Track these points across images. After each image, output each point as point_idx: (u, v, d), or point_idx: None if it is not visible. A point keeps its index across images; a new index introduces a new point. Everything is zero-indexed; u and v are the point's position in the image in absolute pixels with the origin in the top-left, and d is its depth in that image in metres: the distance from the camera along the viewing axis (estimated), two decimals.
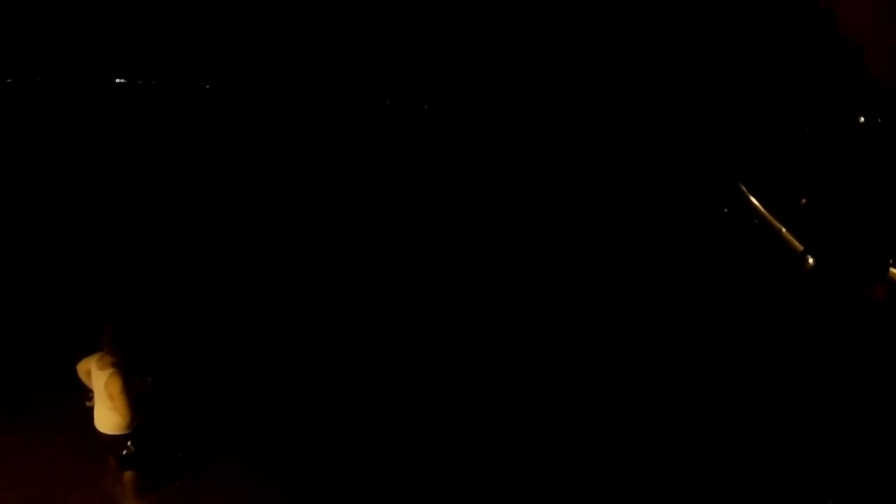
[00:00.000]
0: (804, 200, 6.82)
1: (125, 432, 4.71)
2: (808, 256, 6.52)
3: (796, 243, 6.83)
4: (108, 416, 4.67)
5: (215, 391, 5.59)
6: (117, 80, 8.56)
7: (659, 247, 7.38)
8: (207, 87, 8.67)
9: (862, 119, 6.37)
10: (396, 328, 6.38)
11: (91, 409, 4.74)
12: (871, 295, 6.21)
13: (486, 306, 6.72)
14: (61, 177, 7.56)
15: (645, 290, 6.93)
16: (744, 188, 7.44)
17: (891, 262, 6.20)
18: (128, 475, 4.84)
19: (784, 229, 6.98)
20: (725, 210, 7.58)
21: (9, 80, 7.98)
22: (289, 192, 7.84)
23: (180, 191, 7.67)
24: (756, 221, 7.30)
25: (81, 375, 4.76)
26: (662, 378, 6.07)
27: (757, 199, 7.34)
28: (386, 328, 6.36)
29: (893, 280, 6.14)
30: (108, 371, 4.59)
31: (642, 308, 6.75)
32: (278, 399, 5.68)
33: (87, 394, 4.77)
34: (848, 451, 5.64)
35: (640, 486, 5.24)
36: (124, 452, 4.73)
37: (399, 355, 6.11)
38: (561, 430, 5.60)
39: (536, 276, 7.12)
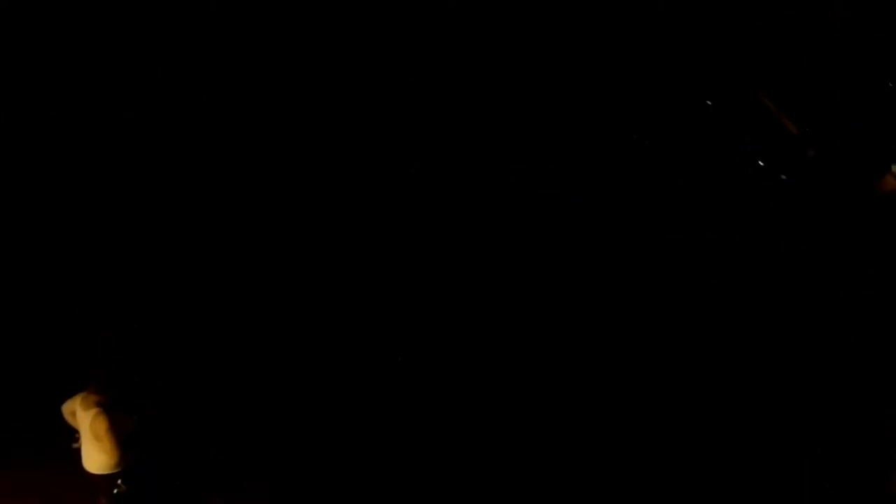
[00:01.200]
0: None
1: (114, 471, 4.65)
2: (810, 148, 6.27)
3: (792, 127, 6.57)
4: (96, 457, 4.65)
5: (206, 416, 5.53)
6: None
7: (659, 247, 7.24)
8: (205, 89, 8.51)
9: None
10: (396, 328, 6.31)
11: (79, 451, 4.65)
12: (878, 188, 5.99)
13: (487, 306, 6.65)
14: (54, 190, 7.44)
15: (645, 291, 6.83)
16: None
17: None
18: None
19: (780, 113, 6.70)
20: (708, 102, 7.35)
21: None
22: (288, 192, 7.74)
23: (178, 190, 7.55)
24: (748, 107, 7.02)
25: (67, 417, 4.71)
26: (662, 378, 5.99)
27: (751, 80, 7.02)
28: (386, 328, 6.29)
29: None
30: (94, 411, 4.56)
31: (642, 308, 6.65)
32: (278, 407, 5.61)
33: (73, 435, 4.68)
34: (848, 451, 5.55)
35: (640, 486, 5.19)
36: (115, 491, 4.68)
37: (399, 355, 6.06)
38: (561, 430, 5.55)
39: (536, 276, 7.03)
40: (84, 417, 4.58)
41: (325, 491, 5.01)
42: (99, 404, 4.55)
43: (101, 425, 4.52)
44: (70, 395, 4.62)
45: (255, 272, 6.76)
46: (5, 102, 8.03)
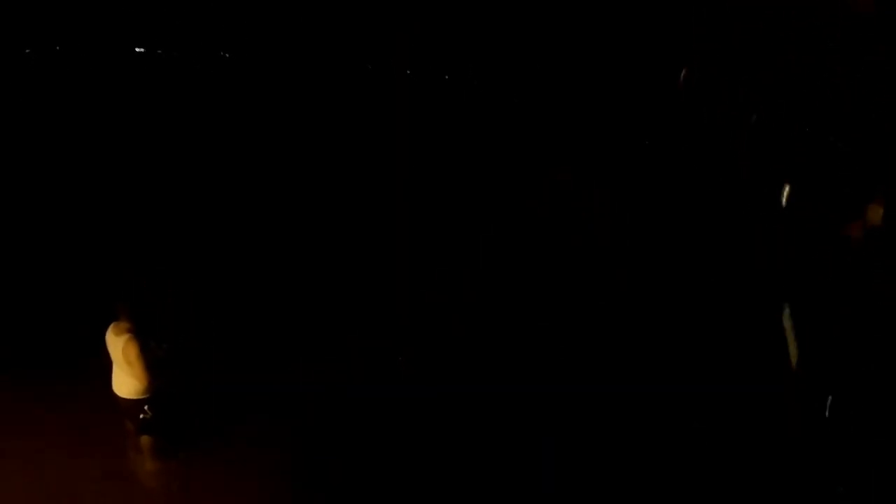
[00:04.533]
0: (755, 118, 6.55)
1: (143, 397, 4.73)
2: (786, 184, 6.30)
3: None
4: (126, 381, 4.72)
5: (231, 359, 5.59)
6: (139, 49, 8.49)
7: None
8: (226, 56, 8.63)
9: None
10: (397, 328, 6.32)
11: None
12: (846, 233, 6.01)
13: (487, 306, 6.65)
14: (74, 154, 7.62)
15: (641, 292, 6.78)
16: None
17: (869, 198, 5.93)
18: (145, 440, 4.86)
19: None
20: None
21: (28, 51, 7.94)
22: (296, 187, 7.83)
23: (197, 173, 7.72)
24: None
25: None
26: (659, 380, 5.92)
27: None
28: (386, 328, 6.31)
29: (870, 218, 5.87)
30: (125, 336, 4.62)
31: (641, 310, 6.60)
32: (291, 374, 5.70)
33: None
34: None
35: (640, 488, 5.15)
36: (141, 417, 4.76)
37: (399, 355, 6.07)
38: (561, 430, 5.50)
39: (536, 276, 7.05)
40: (116, 342, 4.65)
41: (326, 489, 5.03)
42: (130, 330, 4.62)
43: (132, 350, 4.59)
44: (103, 320, 4.68)
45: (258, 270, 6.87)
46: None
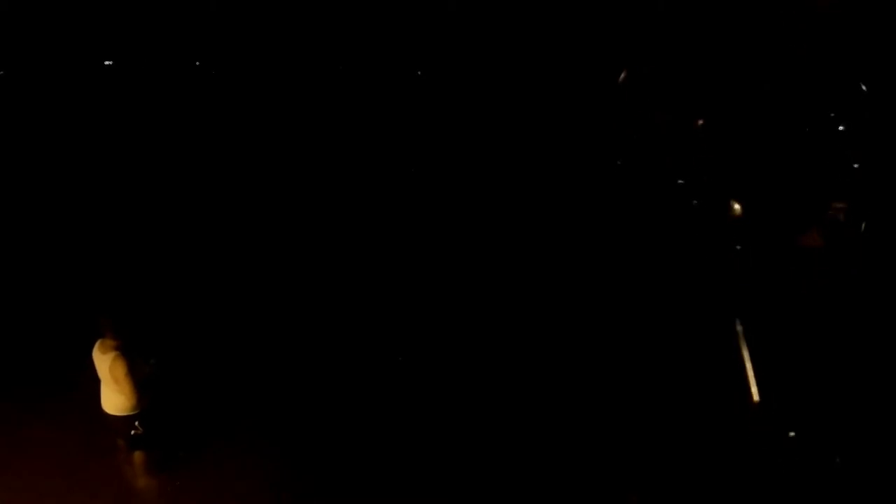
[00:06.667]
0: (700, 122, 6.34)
1: (132, 413, 4.74)
2: (734, 203, 6.10)
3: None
4: (115, 399, 4.73)
5: (222, 371, 5.60)
6: (107, 63, 8.48)
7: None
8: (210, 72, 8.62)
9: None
10: (397, 328, 6.31)
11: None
12: (804, 241, 5.82)
13: (486, 306, 6.62)
14: (58, 170, 7.77)
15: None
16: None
17: (828, 203, 5.75)
18: (137, 455, 4.88)
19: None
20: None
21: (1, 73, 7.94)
22: (295, 187, 7.81)
23: (186, 176, 7.81)
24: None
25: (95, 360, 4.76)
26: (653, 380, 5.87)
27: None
28: (386, 328, 6.30)
29: (833, 219, 5.69)
30: (112, 354, 4.62)
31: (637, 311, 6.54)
32: (281, 383, 5.73)
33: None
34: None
35: (639, 487, 5.10)
36: (132, 433, 4.79)
37: (399, 355, 6.06)
38: (561, 430, 5.46)
39: (536, 276, 7.00)
40: (103, 361, 4.66)
41: (327, 473, 5.02)
42: (117, 348, 4.61)
43: (120, 368, 4.60)
44: (89, 337, 4.69)
45: (258, 271, 6.88)
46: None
